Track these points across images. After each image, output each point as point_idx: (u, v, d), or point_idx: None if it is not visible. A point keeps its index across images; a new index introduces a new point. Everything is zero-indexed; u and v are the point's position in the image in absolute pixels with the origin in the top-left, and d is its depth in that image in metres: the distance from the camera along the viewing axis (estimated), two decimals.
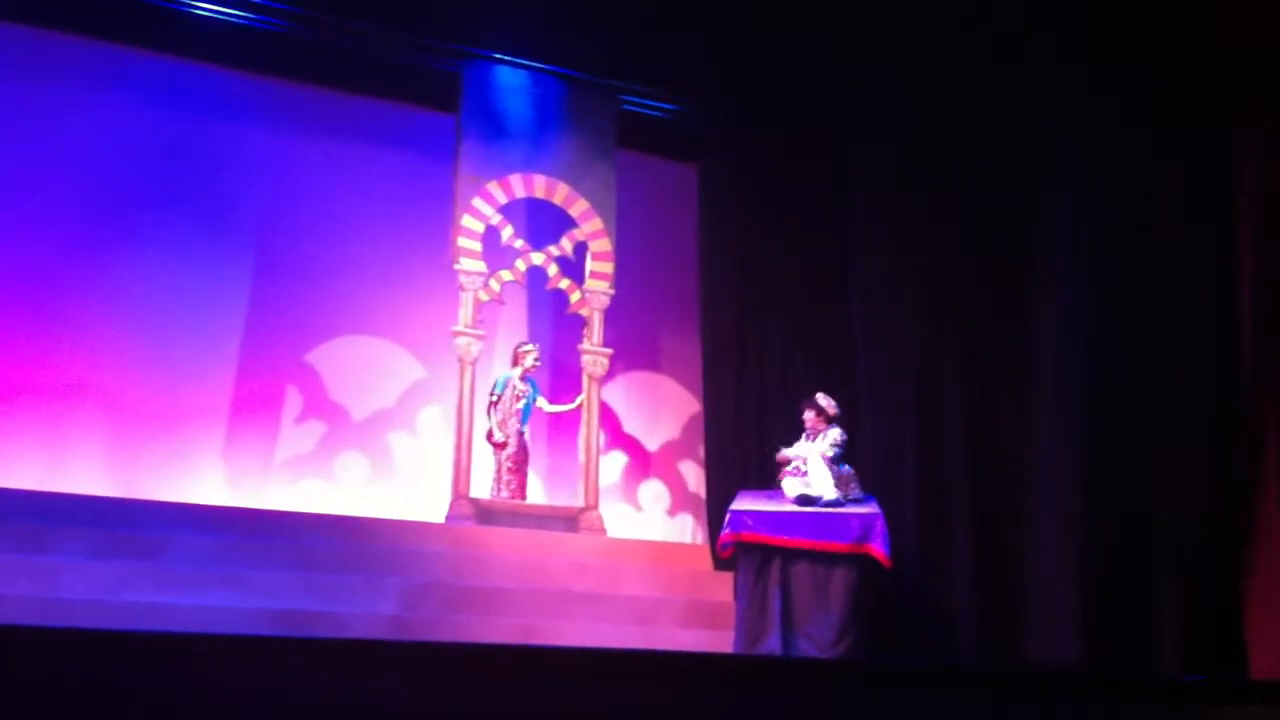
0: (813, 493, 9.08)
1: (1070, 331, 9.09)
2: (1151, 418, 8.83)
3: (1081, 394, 8.93)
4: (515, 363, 11.03)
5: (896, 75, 10.35)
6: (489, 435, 10.82)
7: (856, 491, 9.21)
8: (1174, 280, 8.91)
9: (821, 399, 9.45)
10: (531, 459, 11.06)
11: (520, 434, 10.88)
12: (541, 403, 11.10)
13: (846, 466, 9.29)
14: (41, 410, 10.16)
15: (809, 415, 9.43)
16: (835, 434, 9.31)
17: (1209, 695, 5.45)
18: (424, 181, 11.29)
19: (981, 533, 9.45)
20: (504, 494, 10.68)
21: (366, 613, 8.93)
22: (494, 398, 10.87)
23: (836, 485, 9.12)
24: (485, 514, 10.42)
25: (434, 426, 11.29)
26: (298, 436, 11.04)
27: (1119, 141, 9.10)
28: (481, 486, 10.66)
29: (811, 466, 9.21)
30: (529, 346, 11.08)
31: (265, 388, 10.95)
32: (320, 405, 11.15)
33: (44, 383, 10.20)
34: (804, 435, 9.44)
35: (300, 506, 10.52)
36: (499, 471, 10.77)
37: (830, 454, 9.21)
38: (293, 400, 11.06)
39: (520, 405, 10.90)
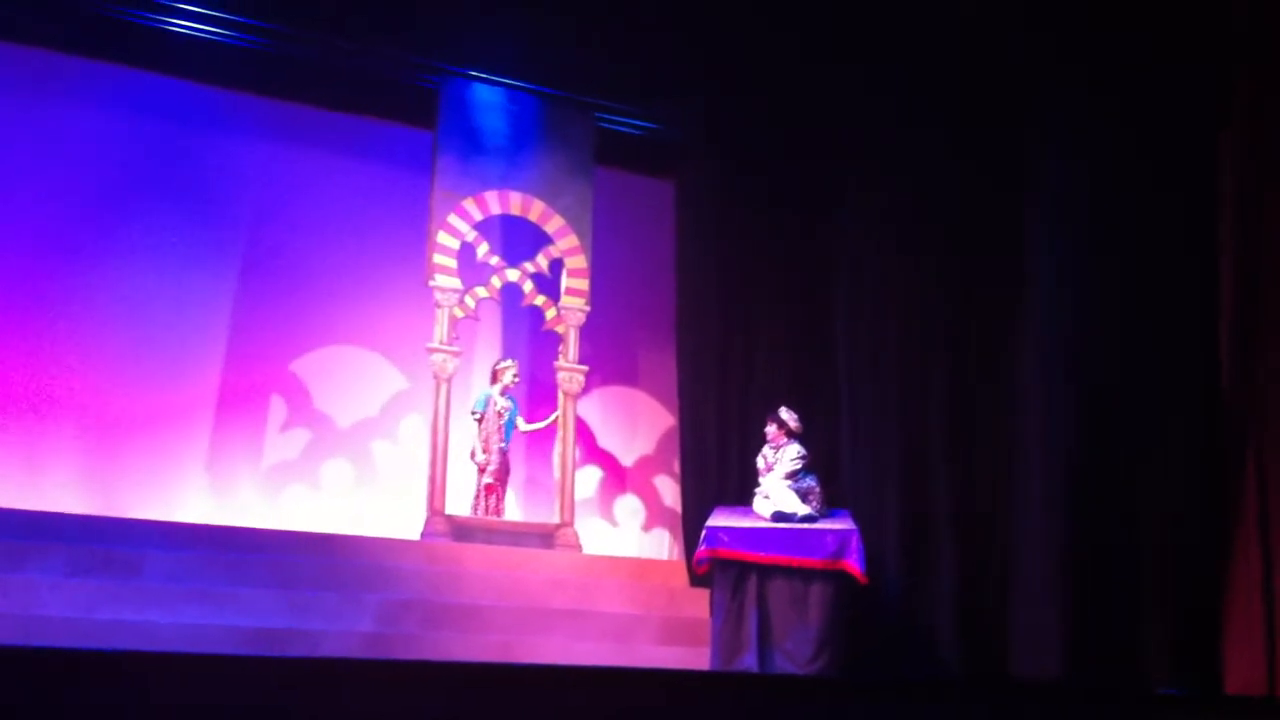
0: (786, 509, 9.10)
1: (1056, 340, 9.12)
2: (1135, 432, 8.86)
3: (1066, 404, 8.96)
4: (494, 380, 11.01)
5: (883, 79, 10.32)
6: (472, 455, 10.82)
7: (816, 503, 9.23)
8: (1163, 289, 8.93)
9: (784, 413, 9.52)
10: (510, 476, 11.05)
11: (503, 451, 10.87)
12: (519, 422, 11.08)
13: (809, 479, 9.32)
14: (18, 425, 10.10)
15: (771, 429, 9.53)
16: (794, 450, 9.36)
17: (1188, 709, 5.48)
18: (403, 195, 11.29)
19: (965, 546, 9.49)
20: (481, 513, 10.64)
21: (344, 630, 8.93)
22: (477, 415, 10.86)
23: (803, 499, 9.16)
24: (461, 531, 10.40)
25: (415, 436, 11.28)
26: (282, 445, 11.05)
27: (1109, 144, 9.12)
28: (457, 503, 10.64)
29: (773, 492, 9.25)
30: (507, 363, 11.06)
31: (249, 398, 10.94)
32: (305, 414, 11.16)
33: (21, 396, 10.15)
34: (766, 447, 9.51)
35: (283, 517, 10.54)
36: (479, 490, 10.75)
37: (790, 469, 9.26)
38: (277, 409, 11.06)
39: (503, 422, 10.89)
